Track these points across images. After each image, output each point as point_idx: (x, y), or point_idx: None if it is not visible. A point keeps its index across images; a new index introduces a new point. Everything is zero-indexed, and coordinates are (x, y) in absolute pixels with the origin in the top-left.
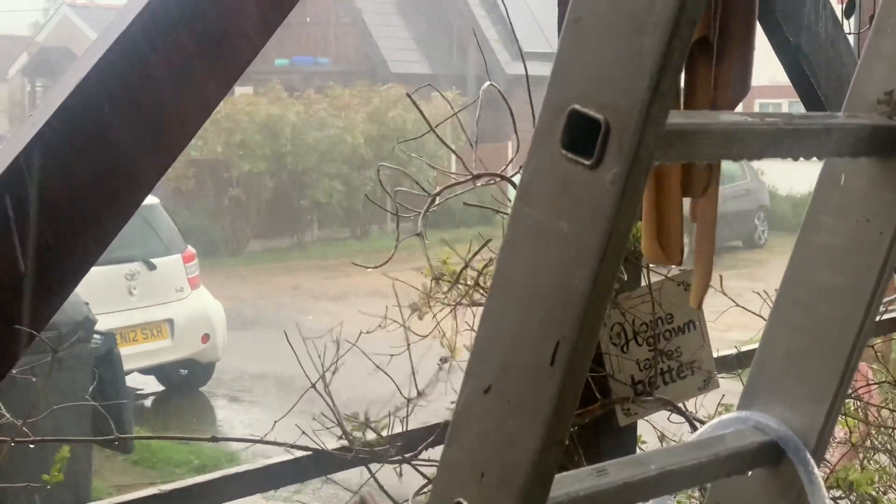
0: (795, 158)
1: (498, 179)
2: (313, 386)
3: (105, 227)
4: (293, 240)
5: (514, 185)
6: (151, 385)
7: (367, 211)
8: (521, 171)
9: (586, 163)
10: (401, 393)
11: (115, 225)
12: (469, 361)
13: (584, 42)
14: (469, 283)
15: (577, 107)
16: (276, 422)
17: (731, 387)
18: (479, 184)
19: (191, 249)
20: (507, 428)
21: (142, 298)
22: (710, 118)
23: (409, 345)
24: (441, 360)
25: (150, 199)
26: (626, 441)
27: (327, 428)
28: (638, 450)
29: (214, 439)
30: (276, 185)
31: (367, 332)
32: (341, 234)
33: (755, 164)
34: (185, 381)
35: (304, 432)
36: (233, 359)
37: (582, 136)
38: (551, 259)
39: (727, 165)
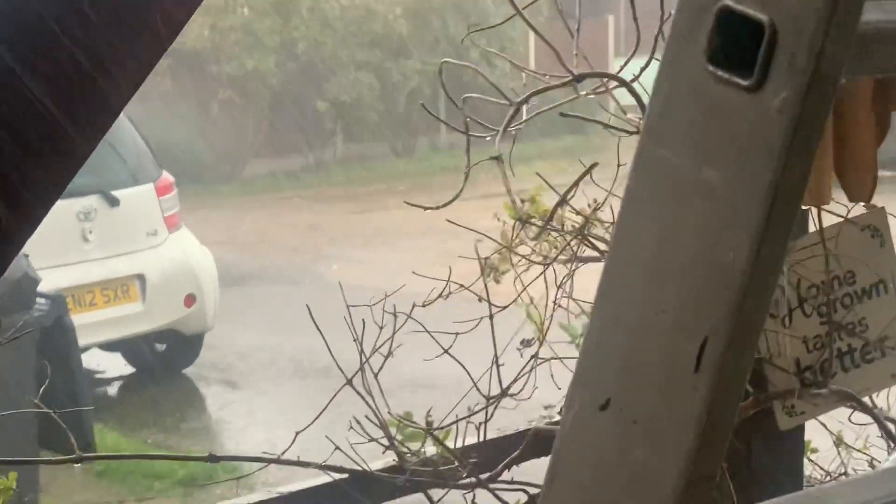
0: None
1: (609, 82)
2: (349, 382)
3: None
4: (308, 159)
5: (629, 88)
6: (117, 366)
7: (412, 115)
8: (625, 66)
9: (743, 83)
10: (478, 389)
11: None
12: (578, 364)
13: None
14: (567, 227)
15: (730, 3)
16: (297, 433)
17: None
18: (583, 92)
19: (167, 176)
20: (634, 458)
21: (101, 246)
22: None
23: (491, 317)
24: (523, 342)
25: None
26: (789, 453)
27: (371, 439)
28: (807, 463)
29: (213, 458)
30: (284, 81)
31: (424, 305)
32: (376, 149)
33: None
34: (163, 361)
35: (337, 447)
36: (228, 328)
37: (737, 45)
38: (693, 220)
39: None
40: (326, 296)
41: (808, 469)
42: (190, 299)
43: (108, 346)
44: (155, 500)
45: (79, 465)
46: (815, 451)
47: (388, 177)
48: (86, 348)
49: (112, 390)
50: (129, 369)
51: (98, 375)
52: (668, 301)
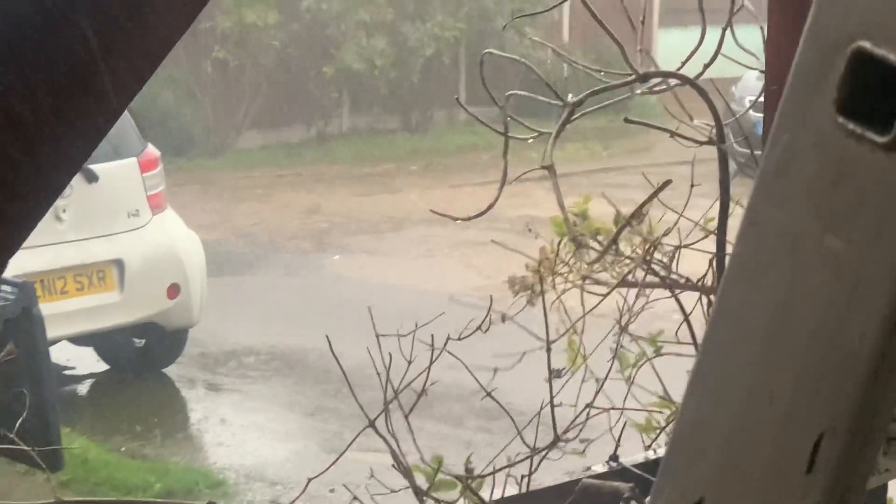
0: None
1: (678, 83)
2: (372, 424)
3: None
4: (310, 131)
5: (699, 90)
6: (89, 362)
7: (429, 85)
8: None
9: (879, 139)
10: (522, 440)
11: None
12: (667, 454)
13: None
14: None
15: (866, 45)
16: (310, 480)
17: None
18: (639, 90)
19: (152, 150)
20: None
21: (75, 227)
22: None
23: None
24: (553, 371)
25: None
26: None
27: (392, 490)
28: None
29: None
30: (285, 42)
31: (461, 338)
32: (386, 122)
33: None
34: (142, 358)
35: (355, 497)
36: (216, 323)
37: (870, 94)
38: (813, 296)
39: None
40: (327, 289)
41: None
42: (174, 289)
43: (80, 340)
44: None
45: (47, 474)
46: None
47: (399, 155)
48: (55, 341)
49: (83, 389)
50: (102, 366)
51: (67, 372)
52: (779, 389)
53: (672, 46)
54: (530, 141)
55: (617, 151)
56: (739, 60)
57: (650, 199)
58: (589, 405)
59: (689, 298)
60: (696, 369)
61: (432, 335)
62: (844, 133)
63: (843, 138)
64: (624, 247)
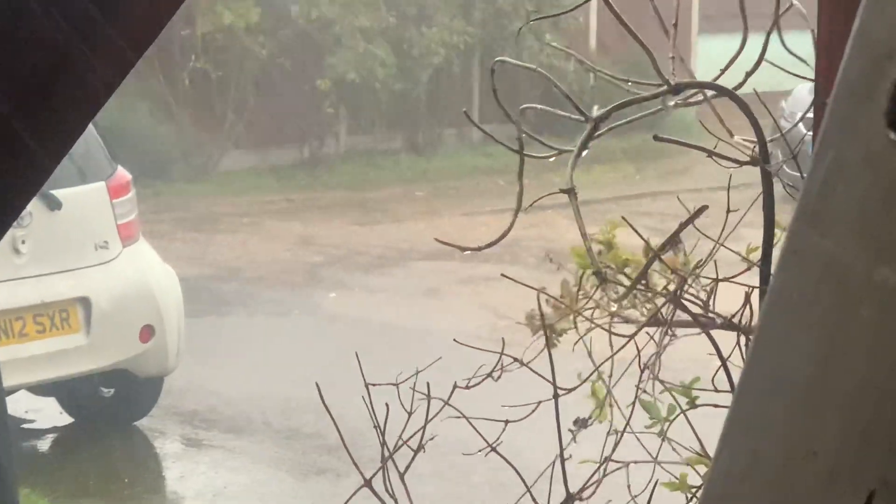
0: None
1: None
2: (367, 483)
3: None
4: (302, 152)
5: (738, 102)
6: (51, 414)
7: (437, 99)
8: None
9: None
10: (532, 498)
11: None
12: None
13: None
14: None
15: None
16: None
17: None
18: (671, 103)
19: (123, 173)
20: None
21: (36, 260)
22: None
23: (556, 398)
24: (578, 421)
25: None
26: None
27: None
28: None
29: None
30: (273, 51)
31: (468, 387)
32: (389, 142)
33: None
34: (111, 409)
35: None
36: (195, 370)
37: None
38: (863, 335)
39: None
40: (321, 330)
41: None
42: (147, 332)
43: (41, 389)
44: None
45: None
46: None
47: (403, 178)
48: (12, 391)
49: (44, 445)
50: (66, 419)
51: (27, 426)
52: (824, 440)
53: (713, 56)
54: (552, 160)
55: (650, 175)
56: (791, 70)
57: (683, 226)
58: (608, 458)
59: (730, 340)
60: (731, 417)
61: (428, 384)
62: None
63: (895, 155)
64: (658, 281)
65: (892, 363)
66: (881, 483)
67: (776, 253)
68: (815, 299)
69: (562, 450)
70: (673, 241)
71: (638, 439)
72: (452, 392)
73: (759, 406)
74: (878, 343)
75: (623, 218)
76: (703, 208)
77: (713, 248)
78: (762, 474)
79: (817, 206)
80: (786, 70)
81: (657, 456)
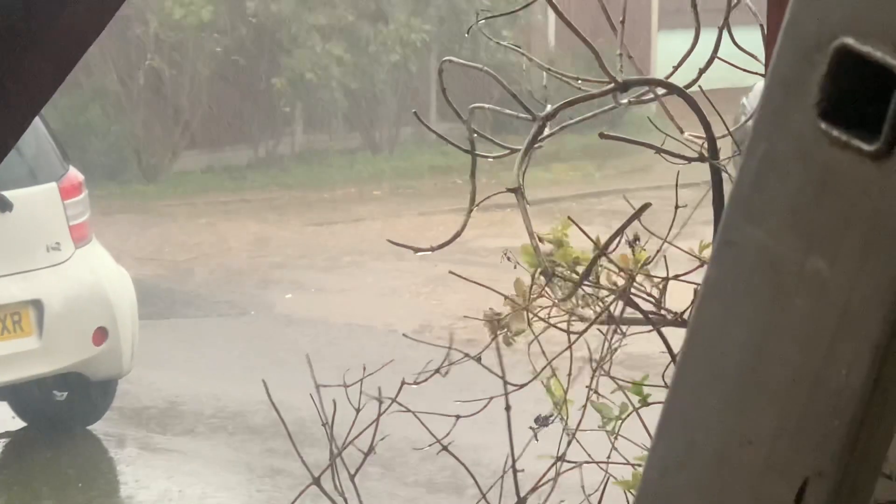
0: None
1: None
2: (316, 481)
3: None
4: (257, 152)
5: (687, 99)
6: (3, 418)
7: (395, 97)
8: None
9: (866, 147)
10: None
11: None
12: (638, 495)
13: None
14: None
15: (850, 42)
16: None
17: None
18: (624, 100)
19: (75, 174)
20: None
21: None
22: None
23: (507, 396)
24: (539, 419)
25: None
26: None
27: None
28: None
29: None
30: (228, 49)
31: (416, 383)
32: (346, 141)
33: None
34: (64, 413)
35: None
36: (149, 373)
37: (856, 96)
38: (795, 325)
39: None
40: (277, 331)
41: None
42: (100, 334)
43: None
44: None
45: None
46: None
47: (360, 178)
48: None
49: None
50: (18, 423)
51: None
52: (758, 429)
53: (674, 52)
54: (507, 160)
55: (611, 173)
56: (749, 68)
57: (626, 224)
58: (559, 458)
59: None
60: (667, 408)
61: (379, 388)
62: (828, 140)
63: (826, 146)
64: (612, 280)
65: (826, 353)
66: (815, 471)
67: None
68: (750, 290)
69: (512, 449)
70: (616, 238)
71: (579, 443)
72: (400, 389)
73: (695, 397)
74: (811, 333)
75: (569, 217)
76: (647, 206)
77: (660, 246)
78: (698, 463)
79: (750, 197)
80: (738, 67)
81: (609, 455)
